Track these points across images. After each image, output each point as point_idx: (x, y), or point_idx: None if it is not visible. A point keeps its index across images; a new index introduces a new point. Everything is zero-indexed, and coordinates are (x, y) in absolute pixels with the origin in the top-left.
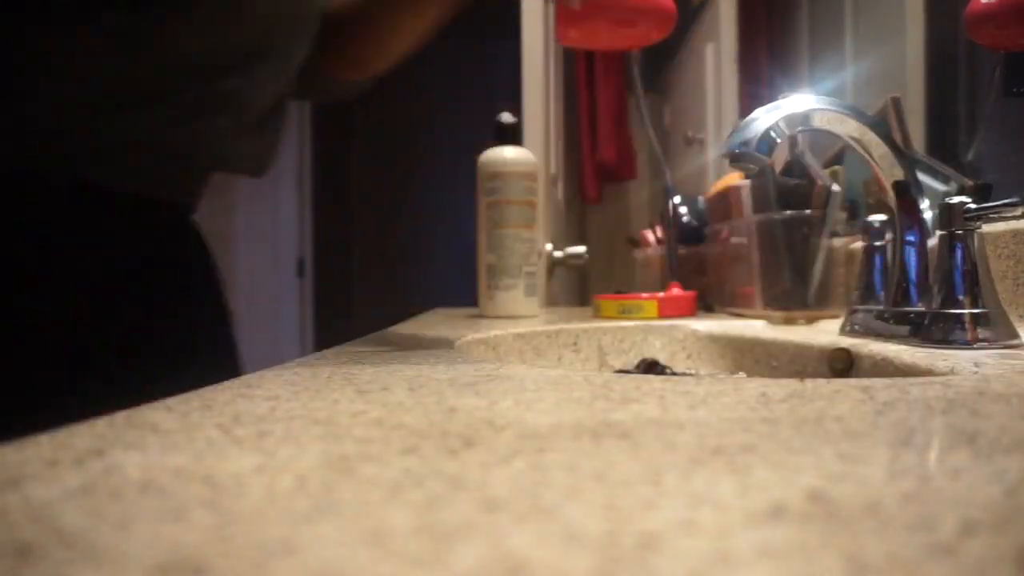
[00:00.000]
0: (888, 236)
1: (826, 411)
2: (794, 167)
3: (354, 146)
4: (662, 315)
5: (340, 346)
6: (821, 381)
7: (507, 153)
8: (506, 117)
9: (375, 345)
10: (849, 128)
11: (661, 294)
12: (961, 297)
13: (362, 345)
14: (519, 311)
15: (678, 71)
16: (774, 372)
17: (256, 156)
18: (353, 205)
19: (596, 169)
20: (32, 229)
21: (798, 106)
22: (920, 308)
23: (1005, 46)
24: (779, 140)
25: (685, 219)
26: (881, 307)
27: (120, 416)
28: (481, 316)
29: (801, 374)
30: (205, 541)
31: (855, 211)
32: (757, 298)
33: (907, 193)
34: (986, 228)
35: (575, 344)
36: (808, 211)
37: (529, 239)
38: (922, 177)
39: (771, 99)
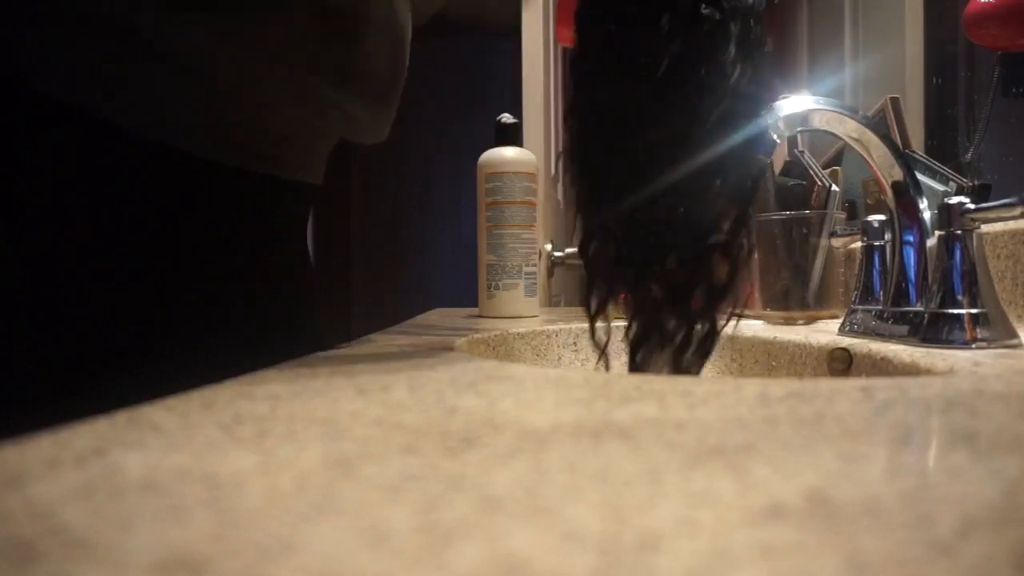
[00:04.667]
0: (887, 236)
1: (825, 411)
2: (793, 167)
3: (354, 145)
4: None
5: (340, 346)
6: (821, 381)
7: (507, 153)
8: (506, 117)
9: (375, 345)
10: (848, 128)
11: None
12: (960, 297)
13: (362, 345)
14: (519, 311)
15: None
16: (773, 372)
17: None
18: (353, 205)
19: None
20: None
21: (797, 106)
22: (919, 308)
23: (1003, 47)
24: (778, 140)
25: None
26: (880, 307)
27: (121, 415)
28: (481, 316)
29: (800, 374)
30: (205, 540)
31: (854, 211)
32: (756, 298)
33: (906, 193)
34: (985, 228)
35: (575, 344)
36: (807, 211)
37: (529, 239)
38: (921, 177)
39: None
